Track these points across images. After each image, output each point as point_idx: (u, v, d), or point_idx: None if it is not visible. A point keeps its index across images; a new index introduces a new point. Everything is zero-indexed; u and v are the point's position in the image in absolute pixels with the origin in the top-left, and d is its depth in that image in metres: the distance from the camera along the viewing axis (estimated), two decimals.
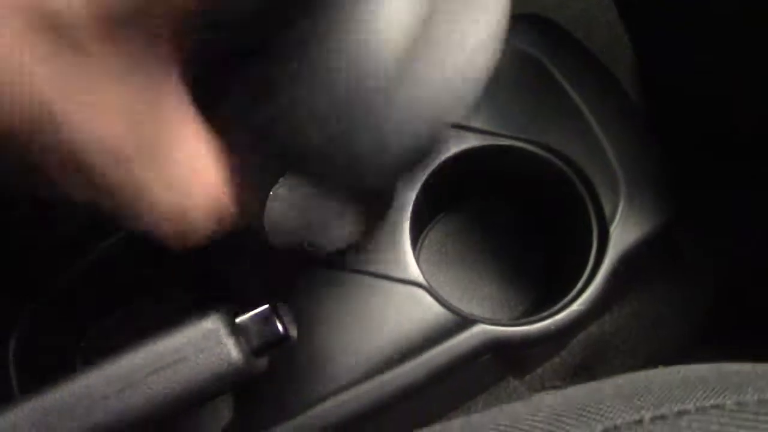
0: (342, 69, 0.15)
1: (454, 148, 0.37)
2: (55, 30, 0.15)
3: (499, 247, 0.42)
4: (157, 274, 0.37)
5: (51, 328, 0.38)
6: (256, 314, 0.28)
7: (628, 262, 0.36)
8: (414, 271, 0.35)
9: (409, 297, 0.35)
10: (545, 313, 0.35)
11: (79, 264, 0.36)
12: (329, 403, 0.34)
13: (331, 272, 0.35)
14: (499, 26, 0.17)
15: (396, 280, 0.35)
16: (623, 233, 0.36)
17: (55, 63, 0.15)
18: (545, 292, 0.40)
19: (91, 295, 0.38)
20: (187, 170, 0.17)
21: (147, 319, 0.38)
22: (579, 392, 0.19)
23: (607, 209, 0.37)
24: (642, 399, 0.18)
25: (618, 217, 0.37)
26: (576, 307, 0.35)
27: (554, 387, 0.43)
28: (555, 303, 0.36)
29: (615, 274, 0.36)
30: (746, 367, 0.20)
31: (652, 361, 0.44)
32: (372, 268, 0.35)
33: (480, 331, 0.34)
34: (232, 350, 0.27)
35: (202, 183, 0.17)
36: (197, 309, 0.28)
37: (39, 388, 0.28)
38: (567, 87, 0.39)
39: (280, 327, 0.28)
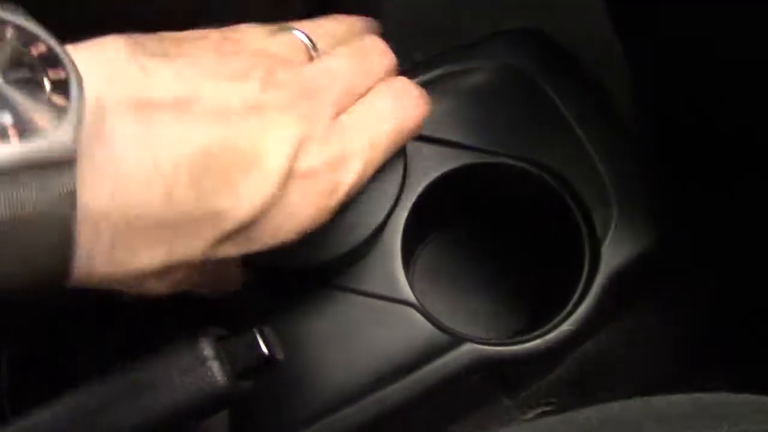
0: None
1: (445, 166, 0.37)
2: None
3: (492, 266, 0.42)
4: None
5: (43, 344, 0.38)
6: (241, 337, 0.28)
7: (620, 281, 0.36)
8: (405, 290, 0.35)
9: (400, 316, 0.35)
10: (536, 333, 0.35)
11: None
12: (321, 423, 0.34)
13: (322, 291, 0.35)
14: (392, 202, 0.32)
15: (387, 300, 0.35)
16: (615, 252, 0.36)
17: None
18: (537, 311, 0.40)
19: (81, 311, 0.38)
20: (230, 283, 0.32)
21: (137, 337, 0.38)
22: (548, 424, 0.19)
23: (599, 228, 0.37)
24: None
25: (610, 235, 0.36)
26: (567, 326, 0.35)
27: (548, 404, 0.43)
28: (547, 322, 0.36)
29: (607, 294, 0.36)
30: (721, 398, 0.20)
31: (647, 378, 0.44)
32: (363, 288, 0.35)
33: (470, 350, 0.34)
34: (217, 373, 0.27)
35: (234, 283, 0.32)
36: (184, 331, 0.28)
37: (28, 407, 0.28)
38: (559, 103, 0.39)
39: (265, 350, 0.28)
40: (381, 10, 0.47)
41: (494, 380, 0.39)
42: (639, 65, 0.44)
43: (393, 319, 0.35)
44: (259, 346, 0.28)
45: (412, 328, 0.35)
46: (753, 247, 0.42)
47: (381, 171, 0.32)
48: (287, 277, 0.34)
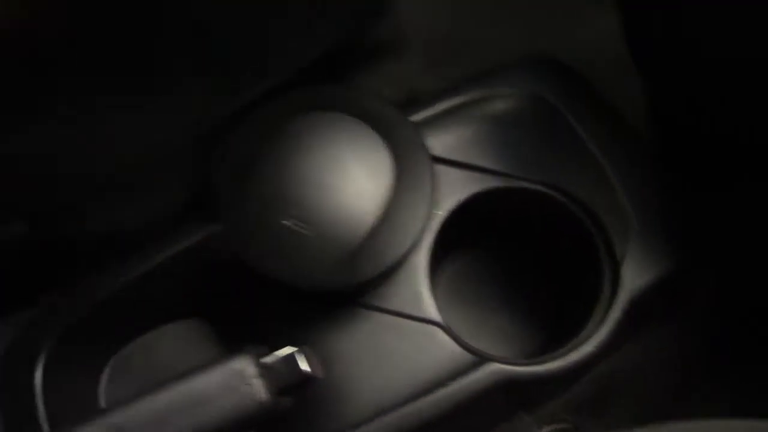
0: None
1: (469, 190, 0.38)
2: None
3: (513, 286, 0.43)
4: (185, 306, 0.38)
5: (77, 354, 0.39)
6: (282, 356, 0.29)
7: (639, 304, 0.37)
8: (431, 310, 0.37)
9: (426, 335, 0.36)
10: (557, 353, 0.36)
11: (107, 288, 0.37)
12: None
13: (352, 310, 0.36)
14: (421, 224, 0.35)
15: (414, 319, 0.36)
16: (635, 276, 0.37)
17: None
18: (558, 331, 0.41)
19: (116, 321, 0.39)
20: None
21: (170, 349, 0.39)
22: None
23: (618, 251, 0.38)
24: None
25: (629, 259, 0.38)
26: (587, 348, 0.36)
27: (563, 420, 0.44)
28: (567, 341, 0.37)
29: (626, 316, 0.37)
30: (721, 424, 0.20)
31: (661, 397, 0.45)
32: (391, 307, 0.36)
33: (494, 369, 0.36)
34: (260, 390, 0.28)
35: None
36: (227, 349, 0.30)
37: (67, 425, 0.29)
38: (578, 129, 0.40)
39: (305, 368, 0.29)
40: (404, 34, 0.48)
41: (515, 398, 0.40)
42: (647, 71, 0.44)
43: (419, 338, 0.36)
44: (299, 365, 0.29)
45: (438, 348, 0.36)
46: (753, 247, 0.43)
47: (410, 196, 0.34)
48: (320, 297, 0.35)
